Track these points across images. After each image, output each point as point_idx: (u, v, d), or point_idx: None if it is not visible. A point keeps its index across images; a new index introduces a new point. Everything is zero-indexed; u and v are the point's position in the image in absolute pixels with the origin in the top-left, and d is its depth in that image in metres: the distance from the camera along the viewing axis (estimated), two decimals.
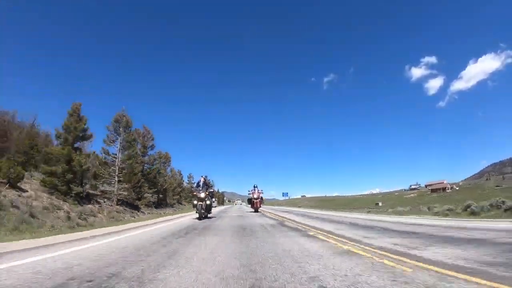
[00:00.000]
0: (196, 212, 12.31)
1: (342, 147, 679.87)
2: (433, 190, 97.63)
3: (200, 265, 3.00)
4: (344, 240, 4.92)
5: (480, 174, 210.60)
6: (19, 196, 11.01)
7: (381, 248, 3.96)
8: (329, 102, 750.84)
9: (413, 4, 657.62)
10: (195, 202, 12.31)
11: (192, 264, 3.05)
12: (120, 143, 19.40)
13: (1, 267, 2.86)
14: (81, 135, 15.47)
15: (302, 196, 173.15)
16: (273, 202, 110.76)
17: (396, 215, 14.28)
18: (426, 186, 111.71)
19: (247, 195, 22.01)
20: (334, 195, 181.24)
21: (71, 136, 14.78)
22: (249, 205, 22.73)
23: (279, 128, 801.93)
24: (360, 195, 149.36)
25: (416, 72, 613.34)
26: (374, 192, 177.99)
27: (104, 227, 9.26)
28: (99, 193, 18.17)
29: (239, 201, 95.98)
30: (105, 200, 17.55)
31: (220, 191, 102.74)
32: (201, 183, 12.89)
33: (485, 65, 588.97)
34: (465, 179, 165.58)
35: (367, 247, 4.06)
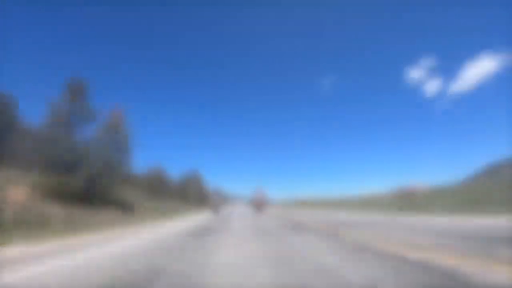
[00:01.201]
0: (211, 211, 20.65)
1: (342, 148, 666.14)
2: None
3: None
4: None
5: (476, 175, 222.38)
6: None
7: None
8: (328, 102, 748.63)
9: (412, 5, 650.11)
10: (210, 204, 20.88)
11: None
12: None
13: (169, 223, 13.50)
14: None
15: (296, 198, 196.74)
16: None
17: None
18: None
19: (251, 196, 23.25)
20: (330, 196, 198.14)
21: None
22: (252, 206, 23.34)
23: (278, 129, 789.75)
24: (354, 196, 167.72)
25: (415, 74, 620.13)
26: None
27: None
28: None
29: (239, 202, 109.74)
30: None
31: (220, 192, 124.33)
32: (214, 193, 29.25)
33: (483, 67, 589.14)
34: (461, 181, 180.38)
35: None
